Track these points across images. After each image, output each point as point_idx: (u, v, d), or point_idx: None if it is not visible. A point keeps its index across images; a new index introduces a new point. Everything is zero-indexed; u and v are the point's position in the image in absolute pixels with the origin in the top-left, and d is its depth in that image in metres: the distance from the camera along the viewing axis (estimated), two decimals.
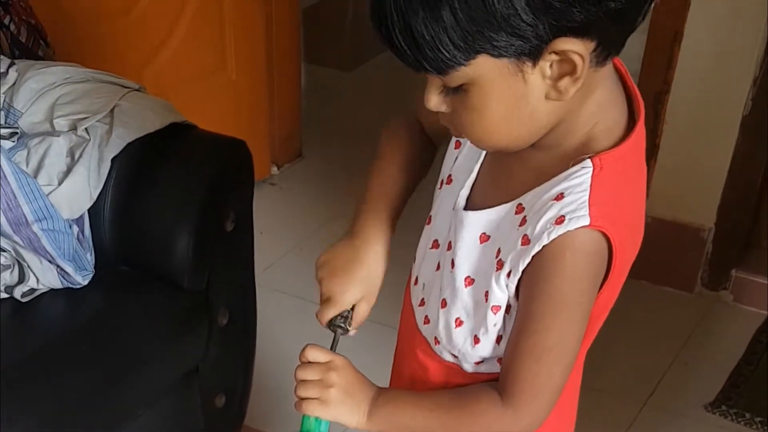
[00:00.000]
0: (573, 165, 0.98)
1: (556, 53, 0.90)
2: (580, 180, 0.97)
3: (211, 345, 1.86)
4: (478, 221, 1.06)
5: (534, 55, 0.90)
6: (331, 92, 3.96)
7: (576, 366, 1.09)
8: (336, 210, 3.01)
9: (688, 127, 2.60)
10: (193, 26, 2.78)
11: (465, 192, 1.10)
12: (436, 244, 1.15)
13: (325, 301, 1.18)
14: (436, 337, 1.15)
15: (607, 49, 0.93)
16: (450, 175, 1.14)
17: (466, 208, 1.09)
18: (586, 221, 0.96)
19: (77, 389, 1.61)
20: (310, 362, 1.13)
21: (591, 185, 0.97)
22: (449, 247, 1.10)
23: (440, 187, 1.16)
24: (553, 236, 0.96)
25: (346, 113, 3.82)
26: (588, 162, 0.98)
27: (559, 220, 0.96)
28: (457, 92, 0.95)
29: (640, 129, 1.02)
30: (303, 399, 1.13)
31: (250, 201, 1.93)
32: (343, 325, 1.18)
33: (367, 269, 1.18)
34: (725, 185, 2.62)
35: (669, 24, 2.50)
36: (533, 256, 0.98)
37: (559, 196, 0.97)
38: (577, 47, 0.89)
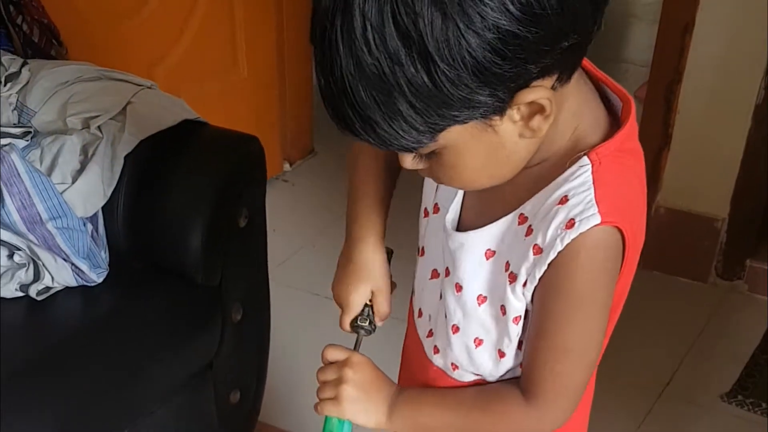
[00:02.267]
0: (570, 165, 0.96)
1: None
2: (581, 180, 0.95)
3: (224, 341, 1.87)
4: (481, 238, 1.04)
5: (500, 111, 0.88)
6: None
7: None
8: None
9: (701, 117, 2.60)
10: (204, 24, 2.78)
11: (451, 216, 1.08)
12: (435, 274, 1.13)
13: (341, 309, 1.20)
14: (453, 363, 1.13)
15: (569, 72, 0.91)
16: (436, 204, 1.12)
17: (459, 229, 1.07)
18: (597, 219, 0.94)
19: (92, 386, 1.62)
20: (330, 363, 1.13)
21: (594, 182, 0.95)
22: (447, 273, 1.09)
23: (426, 216, 1.14)
24: (566, 241, 0.94)
25: None
26: (585, 159, 0.95)
27: (570, 224, 0.94)
28: (431, 156, 0.94)
29: (632, 117, 1.00)
30: (321, 400, 1.12)
31: (263, 197, 1.94)
32: (364, 325, 1.18)
33: (364, 265, 1.18)
34: (739, 175, 2.61)
35: (680, 14, 2.50)
36: (549, 264, 0.97)
37: (563, 200, 0.95)
38: (540, 94, 0.87)
